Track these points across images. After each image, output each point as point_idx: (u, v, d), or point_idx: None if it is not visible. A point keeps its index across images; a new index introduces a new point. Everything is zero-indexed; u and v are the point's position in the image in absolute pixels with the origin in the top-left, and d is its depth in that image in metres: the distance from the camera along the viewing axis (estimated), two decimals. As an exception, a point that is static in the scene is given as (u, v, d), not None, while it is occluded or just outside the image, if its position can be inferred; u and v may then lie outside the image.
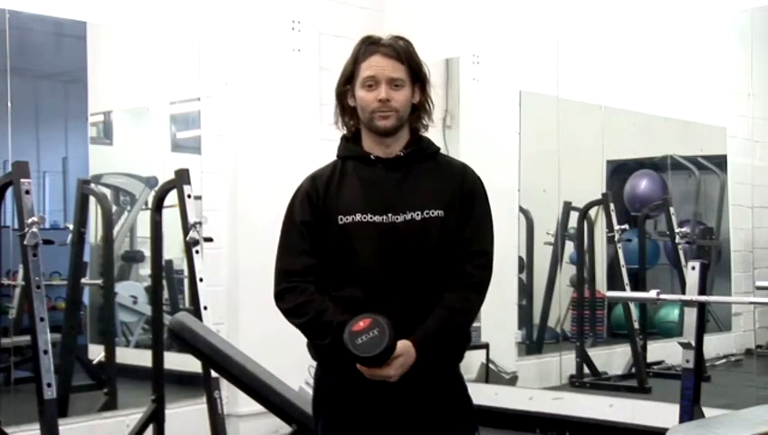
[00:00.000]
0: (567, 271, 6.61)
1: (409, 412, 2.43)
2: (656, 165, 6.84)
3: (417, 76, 2.48)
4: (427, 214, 2.41)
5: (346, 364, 2.34)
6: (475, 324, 5.88)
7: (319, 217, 2.44)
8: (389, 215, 2.40)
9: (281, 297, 2.45)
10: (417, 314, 2.38)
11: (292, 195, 2.52)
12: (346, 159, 2.51)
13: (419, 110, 2.51)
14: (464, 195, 2.47)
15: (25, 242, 3.86)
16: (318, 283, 2.45)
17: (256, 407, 3.07)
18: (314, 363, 2.54)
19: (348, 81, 2.48)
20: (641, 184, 6.83)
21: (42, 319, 3.85)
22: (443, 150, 2.59)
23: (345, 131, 2.54)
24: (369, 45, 2.45)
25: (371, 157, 2.47)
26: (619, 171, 6.87)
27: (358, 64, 2.45)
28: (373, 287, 2.36)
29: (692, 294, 3.39)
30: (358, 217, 2.40)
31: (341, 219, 2.41)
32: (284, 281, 2.45)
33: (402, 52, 2.44)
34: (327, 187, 2.46)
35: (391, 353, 2.28)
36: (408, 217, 2.41)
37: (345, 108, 2.51)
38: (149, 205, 4.86)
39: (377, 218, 2.40)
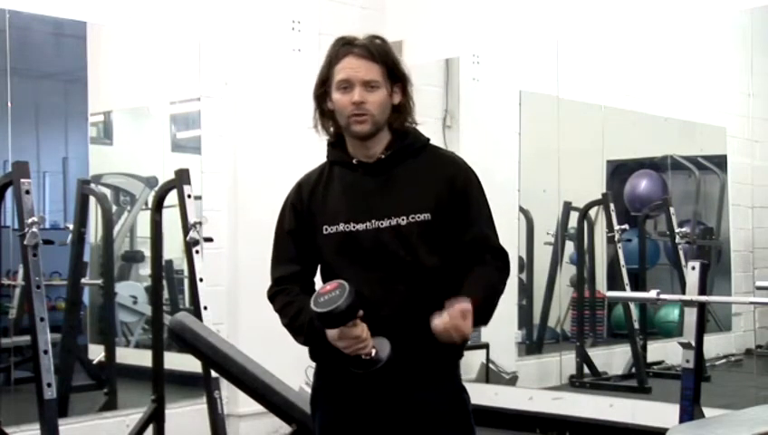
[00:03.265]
0: (567, 271, 6.61)
1: (404, 413, 2.41)
2: (656, 165, 6.85)
3: (395, 75, 2.42)
4: (412, 218, 2.37)
5: (337, 364, 2.33)
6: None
7: (304, 225, 2.45)
8: (373, 221, 2.38)
9: (272, 300, 2.50)
10: (406, 319, 2.36)
11: (283, 202, 2.53)
12: (333, 164, 2.49)
13: (401, 111, 2.45)
14: (456, 194, 2.41)
15: (25, 242, 3.86)
16: (305, 286, 2.47)
17: (256, 407, 3.07)
18: (313, 365, 2.53)
19: (324, 83, 2.43)
20: (641, 184, 6.83)
21: (42, 319, 3.85)
22: (405, 130, 2.53)
23: (325, 135, 2.50)
24: (343, 46, 2.40)
25: (354, 162, 2.44)
26: (619, 171, 6.87)
27: (332, 67, 2.40)
28: (363, 295, 2.29)
29: (692, 294, 3.39)
30: (341, 226, 2.39)
31: (326, 229, 2.40)
32: (275, 286, 2.49)
33: (376, 51, 2.38)
34: (312, 195, 2.45)
35: (352, 313, 2.22)
36: (394, 222, 2.37)
37: (324, 111, 2.46)
38: (149, 205, 4.86)
39: (360, 227, 2.38)
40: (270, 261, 2.53)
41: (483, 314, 2.36)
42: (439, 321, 2.27)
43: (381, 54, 2.39)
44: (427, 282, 2.39)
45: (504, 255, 2.46)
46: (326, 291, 2.25)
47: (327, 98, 2.43)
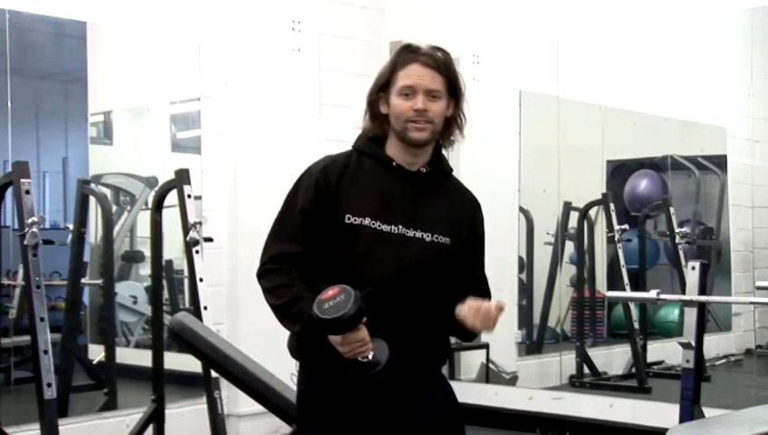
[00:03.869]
0: (567, 271, 6.61)
1: (407, 415, 2.42)
2: (656, 165, 6.85)
3: (454, 89, 2.44)
4: (436, 238, 2.41)
5: (332, 365, 2.31)
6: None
7: (323, 208, 2.40)
8: (400, 227, 2.39)
9: (263, 276, 2.45)
10: (408, 326, 2.38)
11: (299, 178, 2.47)
12: (363, 155, 2.46)
13: (451, 124, 2.47)
14: (473, 231, 2.51)
15: (25, 242, 3.86)
16: (302, 271, 2.41)
17: (256, 407, 3.07)
18: (296, 371, 2.51)
19: (382, 88, 2.43)
20: (641, 184, 6.83)
21: (42, 319, 3.85)
22: (442, 151, 2.58)
23: (370, 133, 2.49)
24: (409, 54, 2.42)
25: (393, 163, 2.44)
26: (619, 171, 6.87)
27: (395, 72, 2.41)
28: (369, 292, 2.32)
29: (692, 294, 3.39)
30: (367, 221, 2.38)
31: (349, 219, 2.38)
32: (269, 262, 2.44)
33: (441, 63, 2.41)
34: (340, 180, 2.41)
35: (357, 320, 2.23)
36: (419, 235, 2.40)
37: (376, 115, 2.46)
38: (149, 205, 4.87)
39: (385, 228, 2.38)
40: (269, 233, 2.47)
41: None
42: (477, 312, 2.35)
43: (445, 66, 2.42)
44: (434, 294, 2.42)
45: (488, 289, 2.58)
46: (329, 296, 2.23)
47: (381, 102, 2.44)
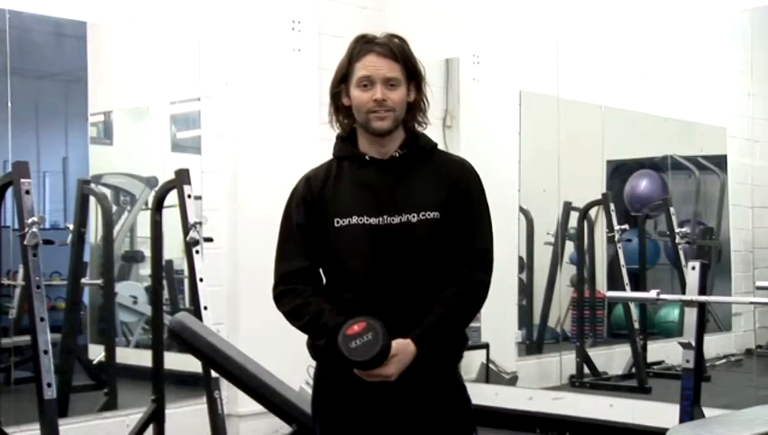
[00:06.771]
0: (567, 271, 6.61)
1: (407, 413, 2.43)
2: (656, 165, 6.85)
3: (413, 75, 2.46)
4: (423, 216, 2.40)
5: (343, 364, 2.34)
6: (475, 324, 5.93)
7: (315, 218, 2.45)
8: (385, 217, 2.40)
9: (279, 300, 2.48)
10: (413, 316, 2.38)
11: (288, 197, 2.53)
12: (342, 159, 2.50)
13: (414, 108, 2.49)
14: (460, 194, 2.45)
15: (25, 242, 3.86)
16: (315, 284, 2.47)
17: (256, 407, 3.06)
18: (314, 363, 2.54)
19: (342, 80, 2.47)
20: (641, 184, 6.83)
21: (42, 319, 3.85)
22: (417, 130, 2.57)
23: (339, 131, 2.54)
24: (364, 44, 2.44)
25: (366, 158, 2.46)
26: (619, 171, 6.87)
27: (352, 64, 2.44)
28: (369, 289, 2.36)
29: (692, 294, 3.39)
30: (354, 219, 2.40)
31: (338, 222, 2.41)
32: (281, 284, 2.47)
33: (397, 50, 2.43)
34: (322, 188, 2.46)
35: (385, 357, 2.29)
36: (405, 218, 2.40)
37: (339, 107, 2.50)
38: (149, 205, 4.87)
39: (372, 220, 2.40)
40: (275, 258, 2.51)
41: (428, 353, 2.38)
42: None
43: (401, 53, 2.44)
44: (432, 278, 2.42)
45: (485, 262, 2.46)
46: (355, 333, 2.27)
47: (343, 94, 2.47)
